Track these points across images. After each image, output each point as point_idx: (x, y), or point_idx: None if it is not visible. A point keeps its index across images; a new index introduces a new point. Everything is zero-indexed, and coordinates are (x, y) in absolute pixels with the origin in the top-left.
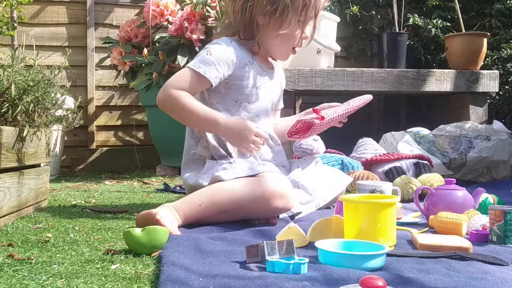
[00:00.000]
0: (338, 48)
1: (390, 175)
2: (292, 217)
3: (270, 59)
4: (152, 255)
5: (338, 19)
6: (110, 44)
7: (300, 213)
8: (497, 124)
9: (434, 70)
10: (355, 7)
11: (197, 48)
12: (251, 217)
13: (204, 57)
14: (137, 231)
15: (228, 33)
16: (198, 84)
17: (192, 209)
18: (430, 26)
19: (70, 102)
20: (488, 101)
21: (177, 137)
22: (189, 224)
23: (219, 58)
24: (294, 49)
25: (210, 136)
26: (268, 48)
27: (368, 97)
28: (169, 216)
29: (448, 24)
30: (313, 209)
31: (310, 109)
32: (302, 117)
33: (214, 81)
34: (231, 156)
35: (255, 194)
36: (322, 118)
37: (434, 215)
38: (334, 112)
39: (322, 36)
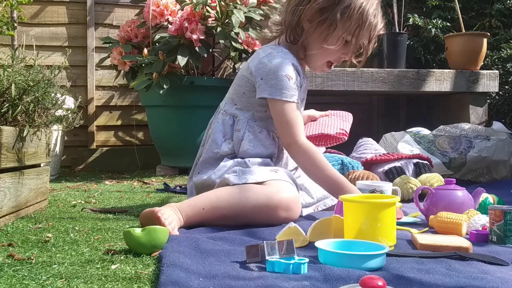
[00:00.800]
0: None
1: (390, 175)
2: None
3: None
4: (152, 255)
5: None
6: (110, 44)
7: (300, 215)
8: (497, 125)
9: (434, 70)
10: None
11: (197, 48)
12: (254, 224)
13: (288, 84)
14: (137, 231)
15: (277, 31)
16: (299, 112)
17: (195, 211)
18: (430, 26)
19: (70, 102)
20: (488, 101)
21: (177, 137)
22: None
23: (295, 79)
24: (332, 65)
25: (246, 141)
26: (306, 57)
27: (351, 116)
28: (171, 216)
29: (448, 24)
30: (311, 211)
31: (311, 112)
32: (307, 119)
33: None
34: (272, 159)
35: (260, 203)
36: (347, 134)
37: (434, 215)
38: (346, 126)
39: None
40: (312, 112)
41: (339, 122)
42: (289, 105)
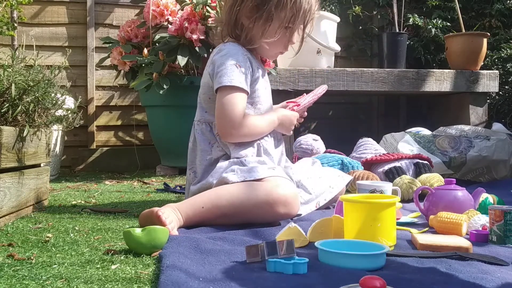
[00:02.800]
0: (338, 48)
1: (390, 175)
2: (292, 217)
3: None
4: (152, 255)
5: (338, 19)
6: (110, 44)
7: (300, 214)
8: (496, 126)
9: (434, 70)
10: (357, 7)
11: (197, 48)
12: (253, 222)
13: (238, 71)
14: (137, 231)
15: (224, 31)
16: (246, 98)
17: (195, 210)
18: (430, 26)
19: (70, 102)
20: (488, 101)
21: (177, 137)
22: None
23: (246, 67)
24: (282, 52)
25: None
26: (256, 49)
27: (324, 87)
28: (170, 216)
29: (448, 24)
30: (313, 208)
31: (285, 102)
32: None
33: (249, 90)
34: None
35: (258, 199)
36: (298, 104)
37: (434, 215)
38: (304, 99)
39: (322, 36)
40: (285, 103)
41: (301, 99)
42: (235, 90)
